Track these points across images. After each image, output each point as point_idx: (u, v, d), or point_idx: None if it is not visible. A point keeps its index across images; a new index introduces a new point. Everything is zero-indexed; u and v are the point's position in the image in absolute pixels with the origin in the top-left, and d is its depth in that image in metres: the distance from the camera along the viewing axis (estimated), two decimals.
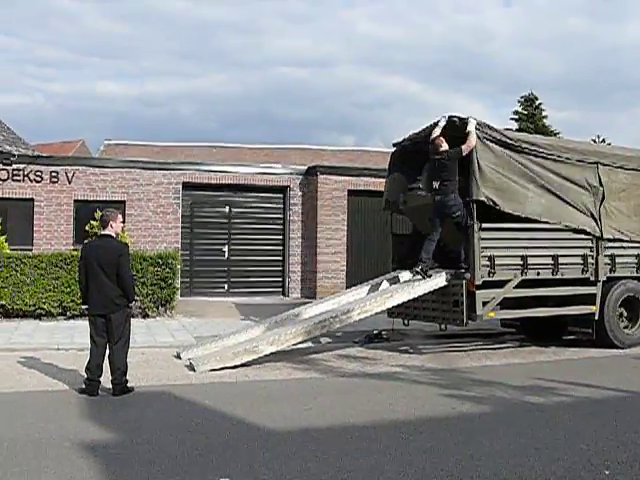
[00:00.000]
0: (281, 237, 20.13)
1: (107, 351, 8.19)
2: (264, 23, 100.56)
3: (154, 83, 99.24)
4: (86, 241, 8.70)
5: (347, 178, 19.87)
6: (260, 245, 19.89)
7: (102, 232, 8.51)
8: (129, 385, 8.16)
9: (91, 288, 8.13)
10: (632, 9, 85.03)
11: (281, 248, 20.11)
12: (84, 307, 8.44)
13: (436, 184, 10.96)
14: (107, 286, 8.09)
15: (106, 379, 8.11)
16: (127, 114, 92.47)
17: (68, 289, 13.93)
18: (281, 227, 20.15)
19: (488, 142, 10.97)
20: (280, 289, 20.06)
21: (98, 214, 15.52)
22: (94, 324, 8.17)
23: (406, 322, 12.47)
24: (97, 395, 7.96)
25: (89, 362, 8.11)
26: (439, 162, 10.93)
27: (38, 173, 17.94)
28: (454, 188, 10.85)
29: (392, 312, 12.17)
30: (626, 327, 12.26)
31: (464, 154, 10.76)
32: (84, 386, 8.06)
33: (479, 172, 10.77)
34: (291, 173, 20.18)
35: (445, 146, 10.97)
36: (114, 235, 8.49)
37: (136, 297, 14.35)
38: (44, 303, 13.97)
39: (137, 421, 6.94)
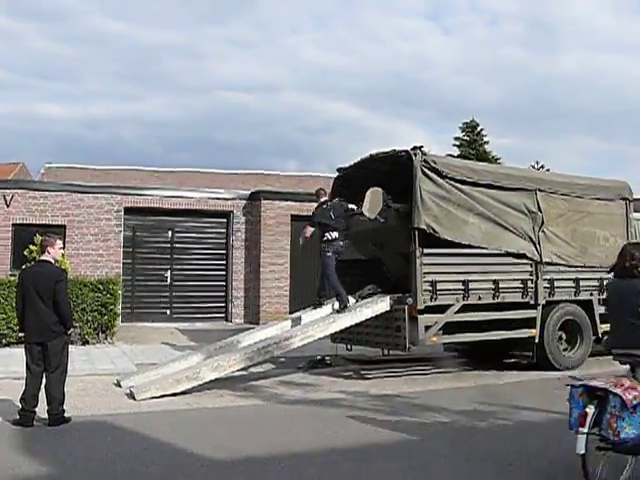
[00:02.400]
0: (224, 262, 20.01)
1: (43, 380, 7.97)
2: (208, 47, 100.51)
3: (96, 106, 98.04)
4: (24, 267, 8.49)
5: (291, 203, 19.90)
6: (203, 270, 19.73)
7: (40, 257, 8.35)
8: (66, 415, 7.94)
9: (28, 315, 7.93)
10: (563, 41, 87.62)
11: (224, 273, 19.98)
12: (21, 334, 8.20)
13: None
14: (44, 313, 7.90)
15: (42, 409, 7.88)
16: (69, 137, 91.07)
17: (4, 315, 13.54)
18: (224, 252, 20.04)
19: (429, 172, 11.14)
20: (223, 314, 19.89)
21: (37, 238, 15.22)
22: (30, 352, 7.94)
23: (349, 347, 12.48)
24: (32, 426, 7.73)
25: (24, 392, 7.86)
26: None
27: None
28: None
29: (335, 337, 12.18)
30: (565, 349, 12.48)
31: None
32: (18, 417, 7.81)
33: (420, 201, 10.95)
34: (234, 198, 20.13)
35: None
36: (52, 261, 8.30)
37: (76, 323, 14.09)
38: None
39: (74, 452, 6.75)
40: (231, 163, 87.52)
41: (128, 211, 18.91)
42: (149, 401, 9.20)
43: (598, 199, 13.18)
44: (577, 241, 12.71)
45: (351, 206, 11.97)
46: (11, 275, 15.68)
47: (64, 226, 18.06)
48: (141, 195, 19.17)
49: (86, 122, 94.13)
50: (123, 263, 18.69)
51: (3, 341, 13.60)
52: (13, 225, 17.74)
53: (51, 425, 7.76)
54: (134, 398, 9.33)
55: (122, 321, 17.28)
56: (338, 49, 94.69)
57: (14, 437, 7.31)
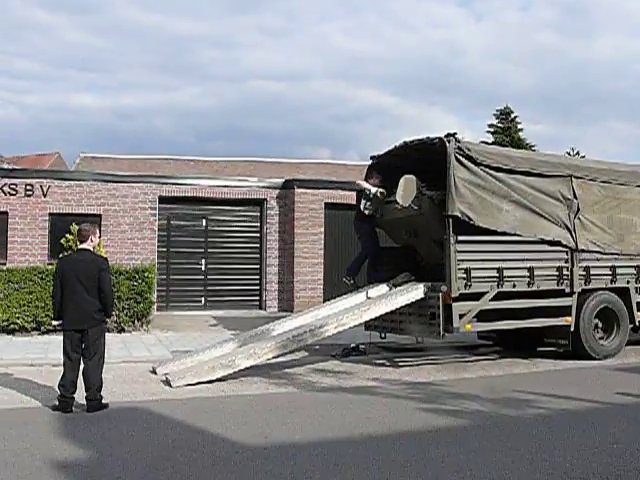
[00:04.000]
0: (258, 250, 20.10)
1: (81, 367, 8.09)
2: (240, 37, 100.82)
3: (130, 96, 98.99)
4: (62, 255, 8.55)
5: (324, 191, 19.91)
6: (237, 259, 19.85)
7: (80, 246, 8.40)
8: (104, 401, 8.06)
9: (68, 303, 8.01)
10: (599, 26, 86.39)
11: (258, 261, 20.08)
12: (55, 323, 8.28)
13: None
14: (86, 301, 8.00)
15: (80, 395, 8.01)
16: (103, 127, 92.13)
17: (42, 304, 13.76)
18: (258, 240, 20.12)
19: (463, 159, 11.06)
20: (257, 303, 20.01)
21: (74, 227, 15.49)
22: (70, 339, 8.04)
23: (383, 335, 12.48)
24: (71, 412, 7.86)
25: (63, 378, 7.99)
26: None
27: (12, 186, 17.79)
28: None
29: (369, 325, 12.18)
30: (601, 338, 12.36)
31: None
32: (57, 403, 7.94)
33: (454, 188, 10.88)
34: (268, 186, 20.18)
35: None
36: (92, 249, 8.42)
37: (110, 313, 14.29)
38: (18, 318, 13.81)
39: (111, 438, 6.85)
40: (264, 152, 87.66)
41: (163, 200, 19.06)
42: (184, 388, 9.29)
43: (635, 185, 12.99)
44: (613, 228, 12.55)
45: (379, 190, 12.03)
46: (49, 264, 15.89)
47: (100, 215, 18.27)
48: (175, 184, 19.32)
49: (120, 112, 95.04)
50: (158, 252, 18.88)
51: (42, 328, 13.83)
52: (50, 214, 17.98)
53: (89, 411, 7.87)
54: (170, 385, 9.43)
55: (157, 309, 17.48)
56: (369, 37, 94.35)
57: (53, 422, 7.43)
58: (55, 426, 7.28)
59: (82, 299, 8.00)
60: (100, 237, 16.67)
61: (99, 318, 8.15)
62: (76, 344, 8.05)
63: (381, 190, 12.10)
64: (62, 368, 8.12)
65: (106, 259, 8.60)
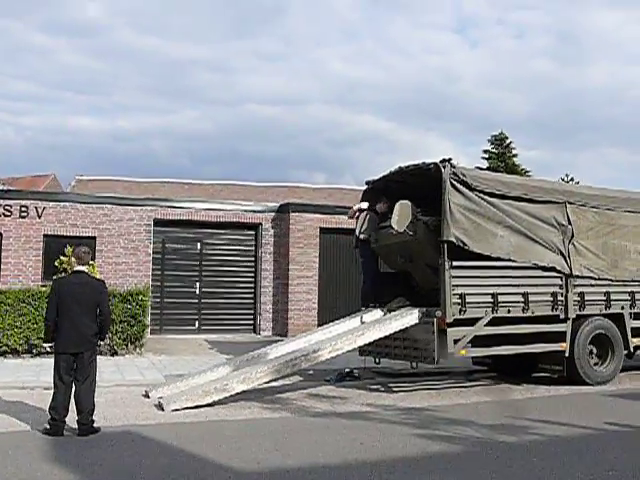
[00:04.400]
0: (253, 274, 20.07)
1: (73, 390, 8.03)
2: (237, 61, 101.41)
3: (126, 119, 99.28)
4: (58, 277, 8.45)
5: (319, 216, 19.93)
6: (232, 282, 19.82)
7: (77, 268, 8.30)
8: (95, 425, 7.99)
9: (64, 325, 7.91)
10: (592, 54, 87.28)
11: (253, 285, 20.05)
12: (47, 345, 8.20)
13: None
14: (84, 324, 7.97)
15: (71, 419, 7.93)
16: (99, 149, 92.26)
17: (34, 326, 13.68)
18: (253, 264, 20.11)
19: (458, 185, 11.10)
20: (251, 327, 19.95)
21: (68, 250, 15.45)
22: (65, 362, 7.94)
23: (377, 360, 12.44)
24: (62, 435, 7.78)
25: (54, 401, 7.90)
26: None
27: (7, 207, 17.78)
28: None
29: (363, 350, 12.14)
30: (596, 364, 12.34)
31: None
32: (48, 427, 7.86)
33: (449, 214, 10.91)
34: (263, 210, 20.20)
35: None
36: (87, 271, 8.40)
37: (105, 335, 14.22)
38: (9, 340, 13.73)
39: (103, 463, 6.78)
40: (259, 176, 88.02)
41: (158, 223, 19.07)
42: (178, 412, 9.22)
43: (629, 212, 13.04)
44: (608, 254, 12.58)
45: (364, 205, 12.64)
46: (42, 286, 15.84)
47: (94, 238, 18.26)
48: (171, 207, 19.33)
49: (116, 135, 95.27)
50: (152, 275, 18.84)
51: (34, 351, 13.74)
52: (44, 236, 17.96)
53: (81, 435, 7.80)
54: (163, 409, 9.36)
55: (151, 333, 17.43)
56: (365, 62, 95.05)
57: (44, 447, 7.36)
58: (46, 450, 7.21)
59: (80, 322, 7.95)
60: (94, 260, 16.74)
61: (94, 341, 8.14)
62: (70, 367, 7.98)
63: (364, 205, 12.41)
64: (53, 391, 8.04)
65: (104, 282, 8.58)
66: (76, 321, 7.93)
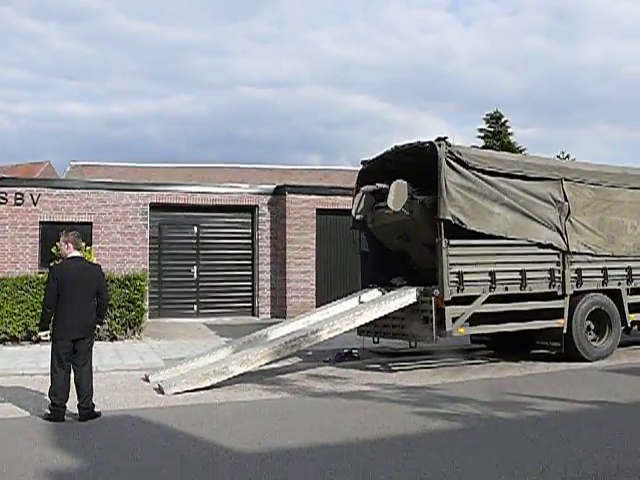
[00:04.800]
0: (250, 257, 20.06)
1: (71, 375, 8.03)
2: (229, 44, 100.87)
3: (120, 104, 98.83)
4: (56, 263, 8.32)
5: (315, 197, 19.89)
6: (229, 265, 19.81)
7: (74, 254, 8.20)
8: (96, 410, 8.01)
9: (65, 312, 7.84)
10: (586, 30, 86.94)
11: (250, 268, 20.04)
12: (43, 334, 8.09)
13: None
14: (86, 309, 7.98)
15: (70, 404, 7.95)
16: (93, 135, 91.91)
17: (33, 313, 13.67)
18: (250, 247, 20.09)
19: (454, 163, 11.08)
20: (250, 309, 19.96)
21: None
22: (66, 348, 7.89)
23: (376, 340, 12.46)
24: (63, 421, 7.80)
25: (54, 386, 7.89)
26: None
27: (2, 195, 17.73)
28: None
29: (362, 330, 12.16)
30: (594, 340, 12.39)
31: None
32: (49, 412, 7.88)
33: (446, 192, 10.90)
34: (259, 193, 20.16)
35: None
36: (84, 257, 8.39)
37: (104, 319, 14.23)
38: (8, 327, 13.73)
39: (104, 446, 6.81)
40: (255, 158, 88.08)
41: (154, 207, 19.03)
42: (178, 395, 9.25)
43: (625, 187, 13.04)
44: (604, 230, 12.59)
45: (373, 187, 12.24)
46: (39, 273, 15.82)
47: (91, 223, 18.23)
48: (166, 191, 19.28)
49: (110, 121, 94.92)
50: (150, 259, 18.82)
51: (33, 338, 13.75)
52: (40, 223, 17.92)
53: (82, 420, 7.82)
54: (163, 392, 9.39)
55: (149, 317, 17.44)
56: (358, 43, 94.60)
57: (46, 432, 7.38)
58: (47, 435, 7.24)
59: (83, 308, 7.94)
60: (91, 245, 16.73)
61: (95, 326, 8.19)
62: (70, 352, 7.94)
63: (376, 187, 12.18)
64: (51, 377, 8.00)
65: (100, 266, 8.56)
66: (78, 307, 7.90)
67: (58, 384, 7.90)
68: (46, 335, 8.08)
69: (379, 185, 12.09)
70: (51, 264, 8.40)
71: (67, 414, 7.92)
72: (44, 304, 8.09)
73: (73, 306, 7.87)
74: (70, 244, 8.22)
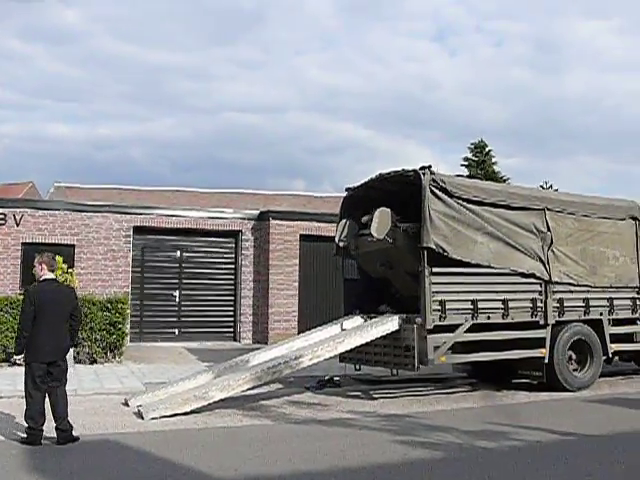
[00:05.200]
0: (233, 282, 20.00)
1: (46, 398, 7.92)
2: (215, 69, 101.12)
3: (105, 126, 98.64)
4: (32, 285, 8.26)
5: (299, 223, 19.92)
6: (211, 290, 19.73)
7: (49, 276, 8.18)
8: (74, 433, 7.90)
9: (40, 334, 7.75)
10: (569, 62, 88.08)
11: (233, 293, 19.97)
12: (18, 357, 7.93)
13: None
14: (61, 332, 7.95)
15: (48, 428, 7.85)
16: (78, 157, 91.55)
17: (12, 334, 13.49)
18: (233, 272, 20.04)
19: (438, 192, 11.15)
20: (232, 334, 19.86)
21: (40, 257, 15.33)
22: (41, 370, 7.79)
23: (358, 367, 12.43)
24: (40, 444, 7.70)
25: (30, 411, 7.76)
26: None
27: None
28: None
29: (344, 357, 12.12)
30: (575, 370, 12.40)
31: None
32: (26, 436, 7.77)
33: (429, 221, 10.95)
34: (243, 218, 20.15)
35: None
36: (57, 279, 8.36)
37: (84, 342, 14.15)
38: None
39: (82, 471, 6.74)
40: (238, 183, 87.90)
41: (137, 230, 18.96)
42: (157, 420, 9.17)
43: (607, 218, 13.16)
44: (587, 260, 12.68)
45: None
46: (20, 294, 15.67)
47: (73, 245, 18.12)
48: (150, 215, 19.23)
49: (94, 142, 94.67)
50: (132, 282, 18.72)
51: (11, 360, 13.57)
52: (22, 244, 17.80)
53: (60, 443, 7.71)
54: (142, 417, 9.30)
55: (130, 340, 17.31)
56: (344, 70, 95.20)
57: (22, 456, 7.28)
58: (24, 460, 7.13)
59: (58, 330, 7.90)
60: (73, 267, 16.62)
61: (68, 349, 8.14)
62: (45, 374, 7.84)
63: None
64: (27, 400, 7.85)
65: (73, 287, 8.54)
66: (53, 330, 7.84)
67: (34, 407, 7.78)
68: (20, 359, 7.93)
69: (364, 218, 12.14)
70: (26, 287, 8.30)
71: (44, 437, 7.80)
72: (20, 327, 7.93)
73: (48, 329, 7.80)
74: (44, 265, 8.17)
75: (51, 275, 8.22)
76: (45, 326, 7.79)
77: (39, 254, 8.44)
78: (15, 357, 8.06)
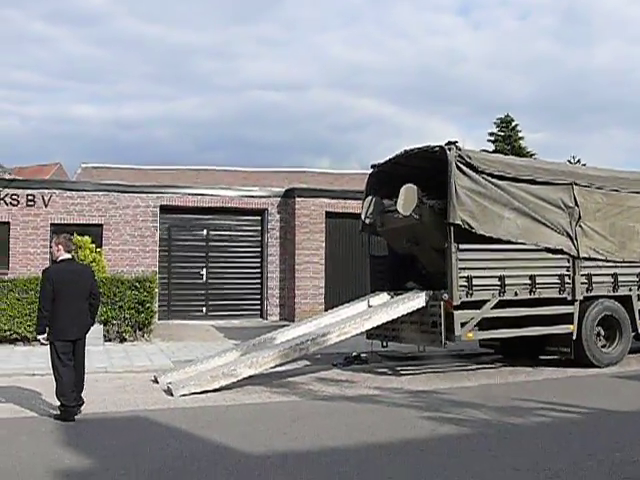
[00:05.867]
0: (259, 260, 20.08)
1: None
2: (239, 47, 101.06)
3: (129, 106, 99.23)
4: (50, 266, 8.43)
5: (325, 200, 19.91)
6: (238, 268, 19.83)
7: (66, 256, 8.32)
8: (105, 410, 8.07)
9: (63, 313, 7.94)
10: (598, 33, 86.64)
11: (259, 271, 20.06)
12: (42, 337, 8.06)
13: None
14: (83, 310, 8.14)
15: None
16: (103, 137, 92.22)
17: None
18: (259, 250, 20.12)
19: (464, 167, 11.07)
20: (258, 312, 19.98)
21: (76, 238, 15.58)
22: (67, 348, 8.02)
23: (385, 344, 12.46)
24: (74, 420, 7.85)
25: (61, 387, 7.95)
26: None
27: (14, 196, 17.82)
28: None
29: (371, 334, 12.16)
30: (604, 346, 12.31)
31: None
32: (59, 412, 7.95)
33: (455, 197, 10.87)
34: (269, 196, 20.18)
35: None
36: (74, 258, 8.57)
37: (113, 321, 14.33)
38: (19, 328, 13.80)
39: (113, 447, 6.83)
40: (264, 161, 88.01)
41: (164, 210, 19.08)
42: (186, 397, 9.27)
43: (637, 192, 12.97)
44: (615, 236, 12.53)
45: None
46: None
47: (101, 225, 18.30)
48: (176, 194, 19.33)
49: (119, 123, 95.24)
50: (159, 261, 18.87)
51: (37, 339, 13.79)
52: (51, 225, 17.99)
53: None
54: (171, 394, 9.41)
55: (159, 319, 17.48)
56: (368, 46, 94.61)
57: (55, 432, 7.41)
58: (58, 436, 7.26)
59: (79, 309, 8.09)
60: (101, 247, 16.83)
61: (89, 326, 8.35)
62: (70, 352, 8.06)
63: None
64: (55, 379, 8.05)
65: (90, 266, 8.70)
66: (75, 308, 8.05)
67: (64, 384, 7.97)
68: (44, 338, 8.07)
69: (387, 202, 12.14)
70: (49, 267, 8.44)
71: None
72: (40, 307, 8.08)
73: (68, 307, 7.99)
74: (61, 246, 8.33)
75: (68, 255, 8.37)
76: (65, 305, 7.98)
77: (56, 235, 8.69)
78: (39, 337, 8.20)
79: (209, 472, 5.98)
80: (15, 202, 17.80)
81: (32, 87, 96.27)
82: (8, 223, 17.74)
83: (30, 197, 17.92)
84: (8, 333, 13.82)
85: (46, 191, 18.14)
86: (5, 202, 17.74)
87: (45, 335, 8.04)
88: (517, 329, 11.58)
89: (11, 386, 9.87)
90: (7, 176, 21.02)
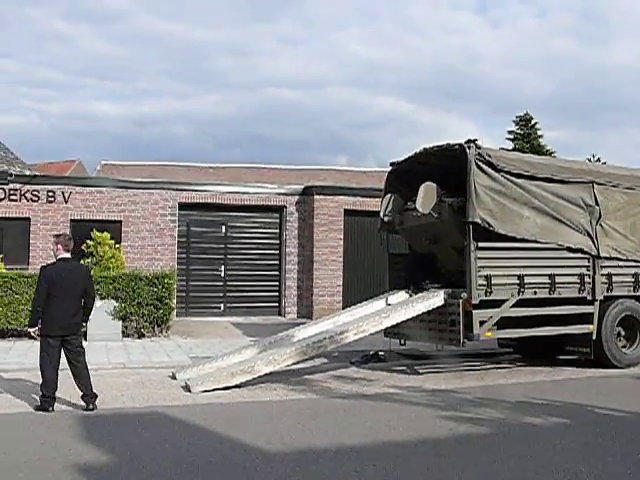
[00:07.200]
0: (277, 257, 20.09)
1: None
2: (257, 45, 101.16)
3: (148, 104, 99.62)
4: (47, 264, 8.77)
5: (343, 198, 19.88)
6: (256, 265, 19.85)
7: (65, 255, 8.56)
8: (123, 405, 8.14)
9: (55, 310, 8.19)
10: (616, 32, 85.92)
11: (277, 268, 20.06)
12: (32, 330, 8.34)
13: None
14: (75, 309, 8.38)
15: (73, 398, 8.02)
16: (122, 135, 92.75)
17: None
18: (277, 247, 20.12)
19: (483, 166, 11.01)
20: (276, 309, 19.99)
21: (95, 234, 15.70)
22: (56, 342, 8.27)
23: (403, 342, 12.43)
24: (52, 411, 8.11)
25: (44, 379, 8.24)
26: None
27: (35, 192, 17.93)
28: None
29: (389, 332, 12.13)
30: (624, 346, 12.21)
31: None
32: (40, 403, 8.23)
33: (475, 195, 10.82)
34: (287, 193, 20.18)
35: None
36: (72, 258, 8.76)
37: (132, 317, 14.40)
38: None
39: (131, 442, 6.86)
40: (281, 159, 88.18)
41: (182, 207, 19.13)
42: (204, 394, 9.30)
43: None
44: (636, 235, 12.41)
45: None
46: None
47: (120, 221, 18.37)
48: (195, 191, 19.38)
49: (138, 120, 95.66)
50: (178, 258, 18.92)
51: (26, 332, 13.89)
52: (71, 221, 18.08)
53: (90, 409, 8.17)
54: (190, 390, 9.44)
55: (177, 315, 17.53)
56: (385, 44, 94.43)
57: (74, 426, 7.44)
58: (76, 430, 7.29)
59: (71, 307, 8.31)
60: (119, 243, 16.93)
61: (81, 324, 8.58)
62: (58, 348, 8.32)
63: None
64: (41, 370, 8.35)
65: (87, 266, 8.83)
66: (67, 306, 8.26)
67: (48, 377, 8.27)
68: (35, 331, 8.33)
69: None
70: (47, 264, 8.72)
71: (82, 407, 8.22)
72: (34, 302, 8.43)
73: (60, 305, 8.22)
74: (60, 245, 8.61)
75: (67, 255, 8.58)
76: (57, 302, 8.21)
77: (56, 235, 8.99)
78: (29, 330, 8.51)
79: (226, 468, 5.98)
80: (35, 198, 17.91)
81: (52, 85, 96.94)
82: (28, 219, 17.86)
83: (50, 193, 18.02)
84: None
85: (66, 187, 18.24)
86: (26, 198, 17.86)
87: (36, 329, 8.30)
88: (536, 328, 11.50)
89: (29, 380, 9.92)
90: (28, 172, 21.13)
